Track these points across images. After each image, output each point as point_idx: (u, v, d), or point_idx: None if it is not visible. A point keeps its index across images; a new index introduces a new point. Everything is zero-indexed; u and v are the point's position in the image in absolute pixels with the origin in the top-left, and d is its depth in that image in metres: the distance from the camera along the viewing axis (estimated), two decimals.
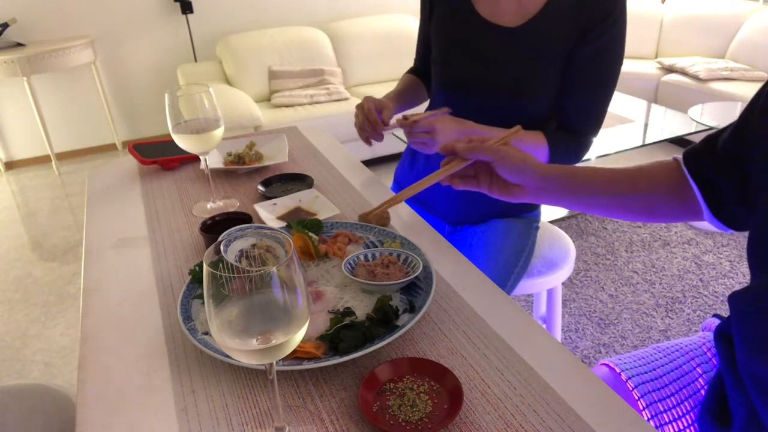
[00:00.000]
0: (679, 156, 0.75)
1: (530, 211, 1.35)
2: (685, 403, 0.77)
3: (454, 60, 1.21)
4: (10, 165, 3.83)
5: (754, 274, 0.59)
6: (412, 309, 0.76)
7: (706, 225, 2.57)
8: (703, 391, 0.78)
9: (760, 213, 0.58)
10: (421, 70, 1.41)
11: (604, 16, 1.07)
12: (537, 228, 1.35)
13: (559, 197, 0.80)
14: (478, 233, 1.29)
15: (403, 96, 1.36)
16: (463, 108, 1.18)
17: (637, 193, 0.77)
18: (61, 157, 3.86)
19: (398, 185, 1.48)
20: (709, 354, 0.82)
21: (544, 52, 1.13)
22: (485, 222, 1.32)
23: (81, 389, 0.68)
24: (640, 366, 0.81)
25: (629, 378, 0.79)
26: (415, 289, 0.81)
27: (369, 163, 3.39)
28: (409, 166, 1.42)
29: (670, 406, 0.77)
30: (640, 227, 2.62)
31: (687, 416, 0.76)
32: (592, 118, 1.16)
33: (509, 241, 1.25)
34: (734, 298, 0.59)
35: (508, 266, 1.21)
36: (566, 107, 1.17)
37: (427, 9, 1.29)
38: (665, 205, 0.76)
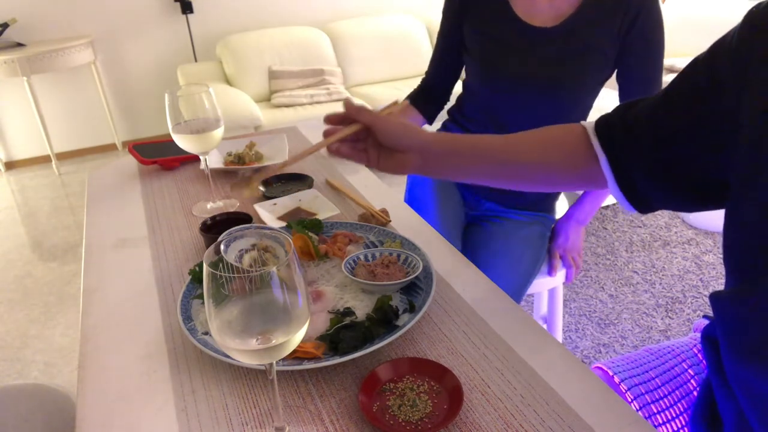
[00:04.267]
0: (587, 123, 0.72)
1: (546, 212, 1.38)
2: (679, 405, 0.77)
3: (493, 57, 1.24)
4: (10, 165, 3.84)
5: (730, 273, 0.56)
6: (412, 309, 0.76)
7: (706, 224, 2.57)
8: (695, 393, 0.78)
9: (731, 208, 0.54)
10: (429, 88, 1.41)
11: (638, 13, 1.12)
12: (548, 237, 1.37)
13: (445, 166, 0.77)
14: (496, 237, 1.29)
15: None
16: (502, 103, 1.25)
17: (529, 161, 0.74)
18: (61, 157, 3.86)
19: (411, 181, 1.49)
20: (700, 356, 0.82)
21: (581, 51, 1.17)
22: (505, 214, 1.33)
23: (81, 389, 0.68)
24: (633, 369, 0.81)
25: (622, 381, 0.79)
26: (415, 289, 0.81)
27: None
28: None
29: (664, 407, 0.77)
30: (640, 227, 2.62)
31: (680, 417, 0.76)
32: None
33: (529, 251, 1.27)
34: (716, 299, 0.57)
35: (525, 276, 1.23)
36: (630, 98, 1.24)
37: (456, 13, 1.29)
38: (561, 173, 0.74)
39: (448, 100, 1.43)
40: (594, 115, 1.37)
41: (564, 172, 0.74)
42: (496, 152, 0.75)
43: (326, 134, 0.75)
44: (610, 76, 1.23)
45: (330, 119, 0.77)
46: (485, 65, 1.26)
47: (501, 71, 1.24)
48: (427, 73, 1.43)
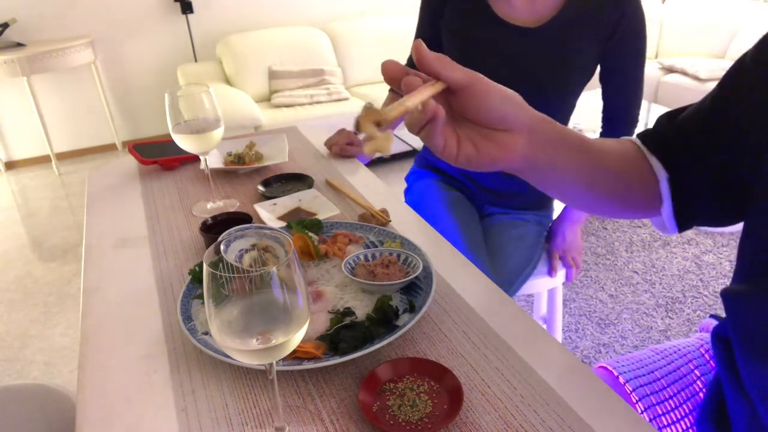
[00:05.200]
0: (635, 139, 0.64)
1: (545, 210, 1.38)
2: (684, 406, 0.76)
3: (472, 59, 1.24)
4: (10, 165, 3.83)
5: (742, 272, 0.55)
6: (412, 309, 0.76)
7: None
8: (701, 394, 0.77)
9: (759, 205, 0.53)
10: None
11: (621, 15, 1.13)
12: (546, 236, 1.37)
13: (548, 158, 0.56)
14: (489, 235, 1.30)
15: None
16: None
17: (614, 169, 0.62)
18: (61, 157, 3.86)
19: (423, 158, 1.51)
20: (707, 356, 0.81)
21: (563, 52, 1.18)
22: (505, 215, 1.34)
23: (81, 389, 0.68)
24: (638, 369, 0.80)
25: (627, 381, 0.78)
26: (415, 289, 0.81)
27: (369, 163, 3.38)
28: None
29: (669, 409, 0.76)
30: (640, 227, 2.62)
31: (686, 419, 0.76)
32: (638, 103, 1.27)
33: (520, 251, 1.27)
34: (728, 297, 0.55)
35: (513, 274, 1.23)
36: (614, 102, 1.27)
37: (435, 10, 1.28)
38: (634, 188, 0.63)
39: None
40: (585, 113, 1.37)
41: (636, 186, 0.63)
42: (587, 149, 0.60)
43: (407, 89, 0.50)
44: (591, 76, 1.25)
45: (391, 70, 0.51)
46: (459, 62, 1.27)
47: (473, 69, 1.24)
48: (409, 59, 1.44)
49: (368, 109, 0.49)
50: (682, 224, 0.63)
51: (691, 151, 0.60)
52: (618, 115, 1.27)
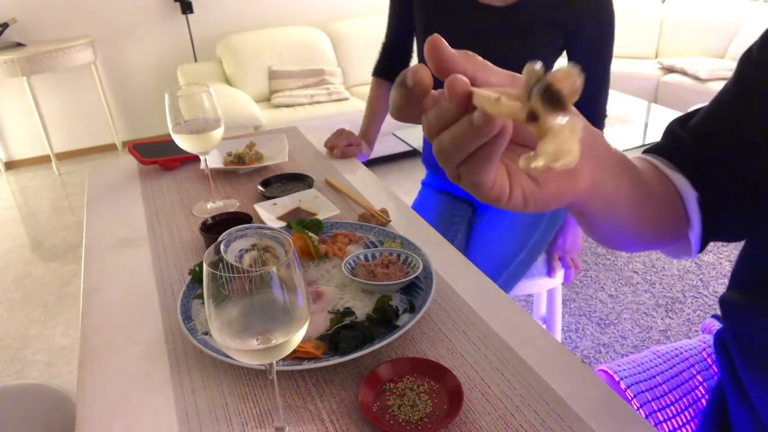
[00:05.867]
0: (648, 156, 0.58)
1: None
2: (686, 413, 0.75)
3: (443, 37, 1.23)
4: (10, 165, 3.83)
5: (743, 279, 0.52)
6: (412, 309, 0.76)
7: None
8: (704, 400, 0.76)
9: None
10: (394, 54, 1.43)
11: (589, 3, 1.15)
12: (542, 222, 1.36)
13: (612, 187, 0.46)
14: (480, 225, 1.30)
15: (378, 128, 1.48)
16: None
17: (656, 192, 0.55)
18: (61, 157, 3.86)
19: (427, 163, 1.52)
20: (709, 360, 0.80)
21: (532, 32, 1.19)
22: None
23: (81, 389, 0.68)
24: (639, 373, 0.79)
25: (628, 387, 0.77)
26: (415, 289, 0.81)
27: (369, 163, 3.38)
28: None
29: (670, 415, 0.75)
30: None
31: (687, 425, 0.75)
32: (606, 95, 1.27)
33: (511, 239, 1.27)
34: (727, 305, 0.52)
35: (504, 264, 1.23)
36: (583, 93, 1.28)
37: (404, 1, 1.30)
38: (664, 212, 0.56)
39: (411, 56, 1.46)
40: None
41: (667, 209, 0.56)
42: (633, 170, 0.52)
43: (454, 95, 0.35)
44: (558, 57, 1.26)
45: (428, 80, 0.37)
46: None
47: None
48: (387, 37, 1.45)
49: (560, 73, 0.30)
50: (704, 245, 0.58)
51: (719, 163, 0.54)
52: (588, 109, 1.28)
